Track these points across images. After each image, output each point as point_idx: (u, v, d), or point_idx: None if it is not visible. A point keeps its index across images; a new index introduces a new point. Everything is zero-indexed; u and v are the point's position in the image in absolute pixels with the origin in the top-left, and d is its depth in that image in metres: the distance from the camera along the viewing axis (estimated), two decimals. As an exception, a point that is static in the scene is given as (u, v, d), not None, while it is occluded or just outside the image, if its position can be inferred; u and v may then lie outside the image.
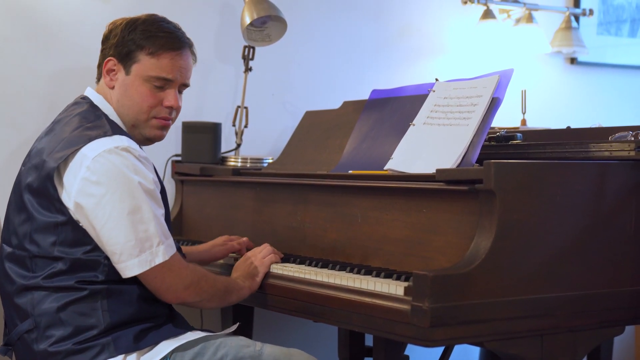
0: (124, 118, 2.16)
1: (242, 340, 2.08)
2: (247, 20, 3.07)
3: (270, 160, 3.07)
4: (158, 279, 2.01)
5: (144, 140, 2.20)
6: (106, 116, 2.11)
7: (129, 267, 1.98)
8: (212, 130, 3.14)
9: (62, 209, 1.99)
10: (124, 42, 2.14)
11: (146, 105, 2.15)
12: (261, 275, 2.30)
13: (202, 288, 2.08)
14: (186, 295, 2.06)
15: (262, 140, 3.44)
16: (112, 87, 2.16)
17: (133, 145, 2.04)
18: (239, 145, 3.24)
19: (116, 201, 1.96)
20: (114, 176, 1.96)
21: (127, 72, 2.15)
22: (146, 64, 2.14)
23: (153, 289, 2.03)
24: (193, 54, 2.24)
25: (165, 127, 2.20)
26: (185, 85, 2.22)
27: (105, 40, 2.19)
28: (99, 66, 2.20)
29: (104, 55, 2.18)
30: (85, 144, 1.99)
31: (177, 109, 2.20)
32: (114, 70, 2.16)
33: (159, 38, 2.15)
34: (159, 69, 2.15)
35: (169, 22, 2.21)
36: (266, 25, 3.14)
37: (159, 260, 1.99)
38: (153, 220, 1.99)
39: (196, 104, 3.35)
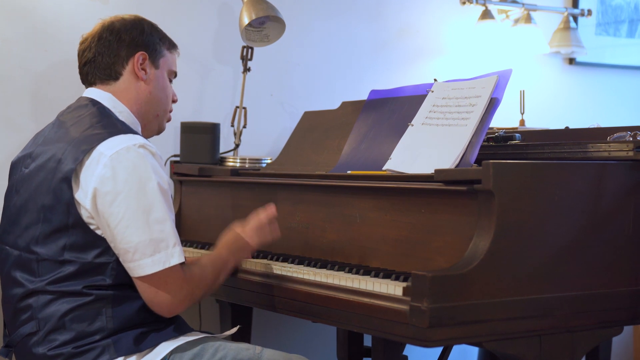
0: (147, 112, 2.19)
1: (241, 343, 2.08)
2: (246, 21, 3.07)
3: (269, 161, 3.07)
4: (152, 290, 1.98)
5: (154, 134, 2.28)
6: (115, 116, 2.11)
7: (141, 266, 1.95)
8: (211, 131, 3.14)
9: (73, 211, 1.97)
10: (146, 36, 2.19)
11: (170, 99, 2.28)
12: (248, 250, 2.24)
13: (196, 294, 2.05)
14: (181, 309, 2.03)
15: (260, 141, 3.44)
16: (144, 79, 2.17)
17: (148, 142, 2.04)
18: (237, 146, 3.24)
19: (132, 199, 1.95)
20: (131, 174, 1.96)
21: (157, 66, 2.21)
22: (169, 58, 2.26)
23: (147, 299, 1.99)
24: None
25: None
26: None
27: (117, 38, 2.16)
28: (111, 65, 2.16)
29: (129, 51, 2.16)
30: (101, 142, 1.98)
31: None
32: (144, 63, 2.18)
33: (165, 35, 2.27)
34: (174, 63, 2.29)
35: None
36: (264, 25, 3.14)
37: (175, 261, 1.97)
38: (168, 221, 1.99)
39: (195, 105, 3.35)
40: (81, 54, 2.20)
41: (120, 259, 1.98)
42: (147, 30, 2.20)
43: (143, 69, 2.18)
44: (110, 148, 1.97)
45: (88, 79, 2.19)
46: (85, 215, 1.98)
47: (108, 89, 2.16)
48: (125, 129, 2.05)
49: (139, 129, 2.17)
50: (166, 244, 1.97)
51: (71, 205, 1.97)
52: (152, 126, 2.24)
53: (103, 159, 1.96)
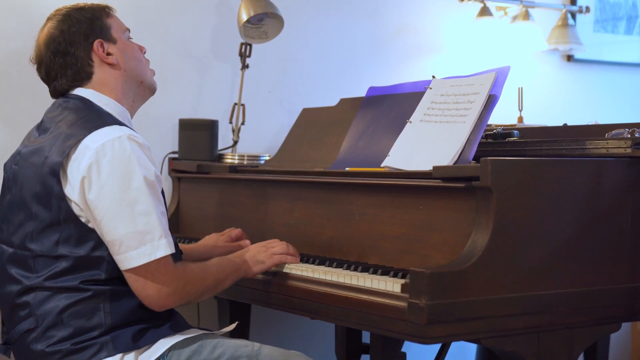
0: (131, 87, 2.15)
1: (240, 339, 2.08)
2: (244, 18, 3.07)
3: (267, 158, 3.07)
4: (140, 283, 1.97)
5: (151, 95, 2.23)
6: (101, 108, 2.10)
7: (127, 259, 1.95)
8: (209, 128, 3.14)
9: (64, 205, 1.97)
10: (86, 22, 2.12)
11: (142, 56, 2.22)
12: (262, 267, 2.25)
13: (188, 291, 2.03)
14: (170, 303, 2.01)
15: (259, 138, 3.44)
16: (115, 63, 2.13)
17: (134, 132, 2.03)
18: (235, 143, 3.24)
19: (116, 191, 1.94)
20: (116, 167, 1.95)
21: (114, 41, 2.15)
22: (114, 24, 2.18)
23: (136, 291, 1.98)
24: None
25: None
26: None
27: (68, 44, 2.11)
28: (79, 70, 2.13)
29: (85, 46, 2.12)
30: (86, 136, 1.98)
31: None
32: (104, 48, 2.13)
33: (93, 8, 2.18)
34: (120, 23, 2.21)
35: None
36: (263, 22, 3.13)
37: (161, 253, 1.96)
38: (154, 213, 1.97)
39: (193, 101, 3.35)
40: (44, 78, 2.16)
41: (110, 252, 1.98)
42: (82, 16, 2.14)
43: (109, 54, 2.14)
44: (95, 141, 1.97)
45: (63, 92, 2.16)
46: (76, 209, 1.98)
47: (87, 87, 2.14)
48: (111, 120, 2.04)
49: (127, 116, 2.15)
50: (152, 237, 1.96)
51: (62, 199, 1.97)
52: (143, 94, 2.21)
53: (89, 151, 1.96)
